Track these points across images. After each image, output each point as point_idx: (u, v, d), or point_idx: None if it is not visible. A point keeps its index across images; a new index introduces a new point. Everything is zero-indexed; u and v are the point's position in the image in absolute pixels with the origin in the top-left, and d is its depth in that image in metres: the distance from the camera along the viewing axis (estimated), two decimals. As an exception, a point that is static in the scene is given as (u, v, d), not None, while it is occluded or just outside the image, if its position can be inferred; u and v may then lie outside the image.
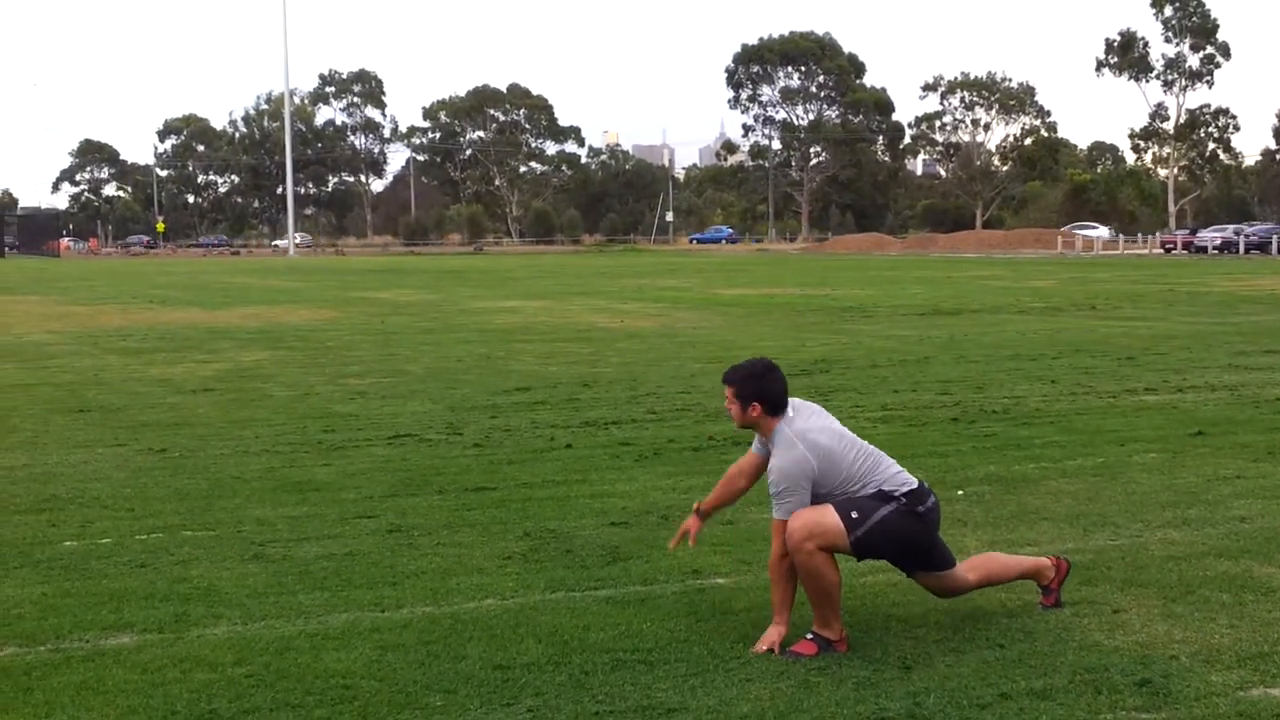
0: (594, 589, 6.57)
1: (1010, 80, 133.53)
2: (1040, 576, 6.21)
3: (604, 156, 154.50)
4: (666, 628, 5.93)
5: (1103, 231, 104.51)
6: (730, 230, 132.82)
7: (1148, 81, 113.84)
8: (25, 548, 7.54)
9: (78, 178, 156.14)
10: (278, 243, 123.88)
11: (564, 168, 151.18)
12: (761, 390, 5.82)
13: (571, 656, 5.56)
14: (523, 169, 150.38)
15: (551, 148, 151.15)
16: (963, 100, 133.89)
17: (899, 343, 20.10)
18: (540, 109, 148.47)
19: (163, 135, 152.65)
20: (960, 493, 8.79)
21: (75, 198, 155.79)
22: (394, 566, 7.03)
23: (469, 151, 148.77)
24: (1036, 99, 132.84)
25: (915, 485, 5.82)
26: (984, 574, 6.10)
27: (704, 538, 7.61)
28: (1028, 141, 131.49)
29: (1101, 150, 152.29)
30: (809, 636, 5.61)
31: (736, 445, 10.74)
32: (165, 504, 8.70)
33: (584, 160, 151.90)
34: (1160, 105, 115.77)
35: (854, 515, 5.64)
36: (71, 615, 6.22)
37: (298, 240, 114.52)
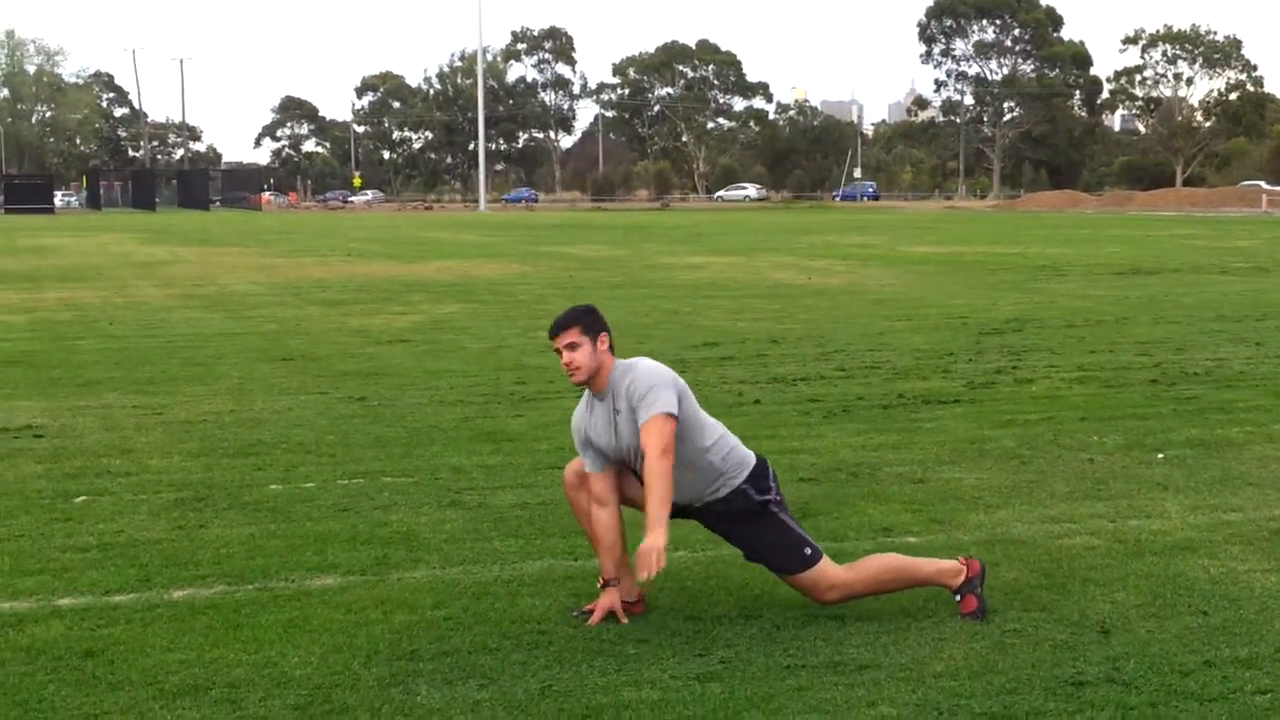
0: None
1: (1215, 33, 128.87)
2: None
3: (792, 113, 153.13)
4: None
5: (750, 190, 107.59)
6: (530, 191, 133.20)
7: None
8: (234, 490, 7.82)
9: (279, 134, 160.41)
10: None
11: (751, 124, 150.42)
12: (602, 322, 5.50)
13: (762, 610, 5.58)
14: (710, 125, 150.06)
15: (739, 104, 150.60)
16: (1165, 54, 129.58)
17: (1095, 302, 19.63)
18: (729, 65, 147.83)
19: (360, 92, 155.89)
20: (1160, 456, 8.58)
21: (276, 153, 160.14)
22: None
23: (657, 108, 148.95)
24: (1243, 52, 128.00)
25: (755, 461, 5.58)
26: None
27: (895, 495, 7.58)
28: (1233, 96, 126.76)
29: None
30: (957, 598, 5.50)
31: (926, 403, 10.64)
32: (365, 450, 8.95)
33: (772, 116, 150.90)
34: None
35: (807, 551, 5.47)
36: (278, 556, 6.44)
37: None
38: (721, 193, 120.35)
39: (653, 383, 5.30)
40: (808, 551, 5.45)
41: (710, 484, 5.47)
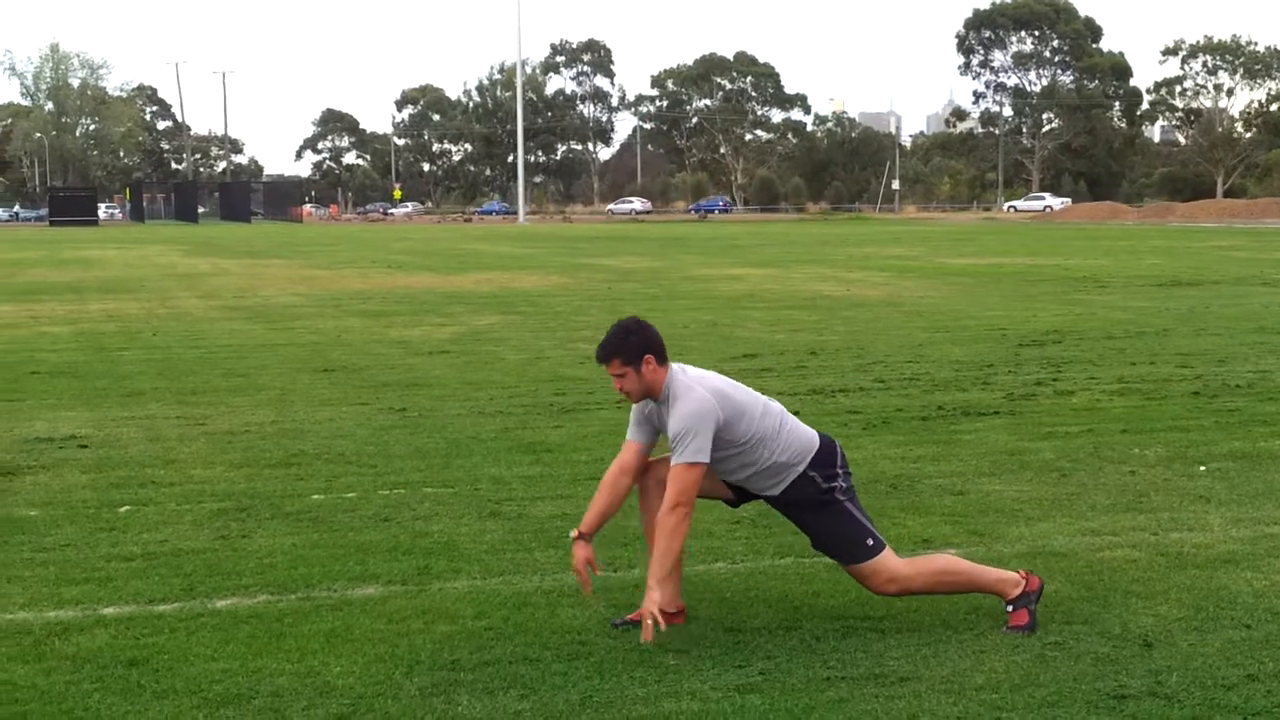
0: (822, 555, 6.55)
1: (1256, 44, 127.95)
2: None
3: (830, 124, 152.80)
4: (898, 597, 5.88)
5: (635, 204, 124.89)
6: (500, 203, 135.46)
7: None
8: (276, 500, 7.88)
9: (320, 146, 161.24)
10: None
11: (789, 135, 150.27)
12: (646, 341, 5.43)
13: (802, 622, 5.58)
14: (748, 137, 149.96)
15: (777, 115, 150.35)
16: (1205, 65, 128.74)
17: (1135, 314, 19.52)
18: (766, 76, 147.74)
19: (400, 105, 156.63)
20: (1203, 468, 8.53)
21: (317, 165, 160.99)
22: (625, 528, 7.11)
23: (695, 119, 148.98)
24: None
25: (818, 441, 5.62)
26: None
27: (935, 507, 7.57)
28: (1274, 107, 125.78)
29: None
30: (1009, 609, 5.49)
31: (966, 415, 10.61)
32: (406, 461, 9.00)
33: (809, 128, 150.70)
34: None
35: (870, 542, 5.49)
36: (320, 565, 6.48)
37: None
38: (610, 206, 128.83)
39: (686, 426, 5.32)
40: (870, 543, 5.48)
41: (776, 477, 5.51)
